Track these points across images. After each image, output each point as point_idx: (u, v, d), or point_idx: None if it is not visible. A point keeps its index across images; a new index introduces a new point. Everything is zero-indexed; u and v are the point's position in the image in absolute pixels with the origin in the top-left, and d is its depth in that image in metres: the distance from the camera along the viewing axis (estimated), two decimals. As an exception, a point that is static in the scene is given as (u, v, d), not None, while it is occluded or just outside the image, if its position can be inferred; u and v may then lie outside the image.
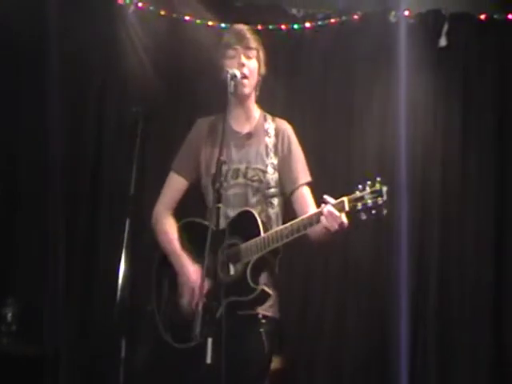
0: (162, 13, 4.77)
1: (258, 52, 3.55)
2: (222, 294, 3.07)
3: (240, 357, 3.20)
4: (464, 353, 4.63)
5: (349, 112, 4.82)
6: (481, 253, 4.69)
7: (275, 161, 3.53)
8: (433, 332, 4.64)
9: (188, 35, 4.67)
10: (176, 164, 3.63)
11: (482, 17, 4.75)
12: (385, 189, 3.12)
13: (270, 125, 3.59)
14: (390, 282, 4.60)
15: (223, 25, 4.70)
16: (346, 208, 3.15)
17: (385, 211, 3.12)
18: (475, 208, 4.73)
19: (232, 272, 3.32)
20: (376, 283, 4.68)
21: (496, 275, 4.66)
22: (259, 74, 3.57)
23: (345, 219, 3.19)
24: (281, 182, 3.53)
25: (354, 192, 3.16)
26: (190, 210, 3.60)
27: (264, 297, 3.34)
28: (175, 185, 3.62)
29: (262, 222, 3.37)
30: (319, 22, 4.82)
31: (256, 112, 3.62)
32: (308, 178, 3.56)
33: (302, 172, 3.55)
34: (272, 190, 3.51)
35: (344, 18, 4.81)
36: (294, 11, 4.88)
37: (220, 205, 3.16)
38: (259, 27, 4.56)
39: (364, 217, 3.13)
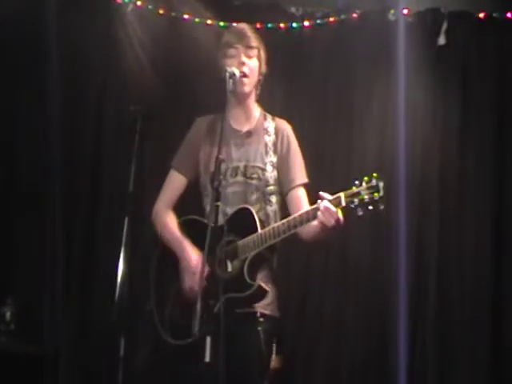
0: (161, 11, 4.77)
1: (258, 51, 3.55)
2: (220, 291, 3.07)
3: (238, 355, 3.19)
4: (463, 352, 4.63)
5: (348, 110, 4.82)
6: (480, 252, 4.68)
7: (274, 159, 3.53)
8: (432, 331, 4.63)
9: (187, 34, 4.68)
10: (176, 162, 3.64)
11: (481, 15, 4.75)
12: (381, 184, 3.12)
13: (270, 124, 3.60)
14: (389, 281, 4.59)
15: (222, 23, 4.71)
16: (343, 203, 3.16)
17: (382, 206, 3.12)
18: (474, 207, 4.72)
19: (230, 269, 3.32)
20: (375, 282, 4.68)
21: (495, 275, 4.65)
22: (260, 73, 3.57)
23: (341, 215, 3.19)
24: (279, 181, 3.53)
25: (350, 188, 3.16)
26: (188, 208, 3.60)
27: (261, 293, 3.34)
28: (175, 182, 3.63)
29: (260, 218, 3.37)
30: (318, 21, 4.83)
31: (256, 111, 3.63)
32: (304, 179, 3.56)
33: (299, 173, 3.56)
34: (271, 188, 3.52)
35: (343, 16, 4.81)
36: (292, 10, 4.89)
37: (219, 203, 3.16)
38: (258, 26, 4.55)
39: (361, 212, 3.13)
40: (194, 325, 2.96)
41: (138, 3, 4.76)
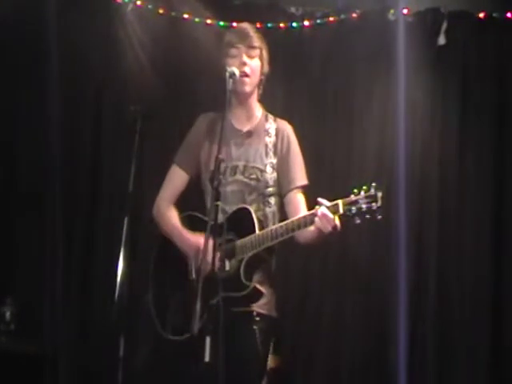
0: (161, 11, 4.77)
1: (261, 51, 3.56)
2: (220, 289, 3.07)
3: (234, 354, 3.20)
4: (463, 352, 4.63)
5: (347, 110, 4.82)
6: (480, 252, 4.69)
7: (274, 160, 3.54)
8: (432, 331, 4.64)
9: (186, 33, 4.68)
10: (178, 157, 3.65)
11: (481, 15, 4.75)
12: (379, 194, 3.14)
13: (271, 125, 3.60)
14: (389, 282, 4.59)
15: (222, 23, 4.71)
16: (340, 211, 3.17)
17: (379, 216, 3.13)
18: (474, 207, 4.72)
19: (227, 267, 3.33)
20: (375, 282, 4.68)
21: (495, 275, 4.65)
22: (262, 73, 3.57)
23: (338, 222, 3.20)
24: (278, 182, 3.54)
25: (348, 196, 3.17)
26: (190, 204, 3.61)
27: (256, 295, 3.35)
28: (176, 178, 3.64)
29: (258, 219, 3.38)
30: (318, 21, 4.82)
31: (258, 111, 3.63)
32: (304, 182, 3.57)
33: (299, 174, 3.56)
34: (270, 190, 3.52)
35: (343, 16, 4.81)
36: (292, 10, 4.88)
37: (219, 202, 3.16)
38: (258, 26, 4.54)
39: (358, 221, 3.15)
40: (194, 324, 2.97)
41: (138, 3, 4.75)
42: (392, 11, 4.74)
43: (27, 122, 4.77)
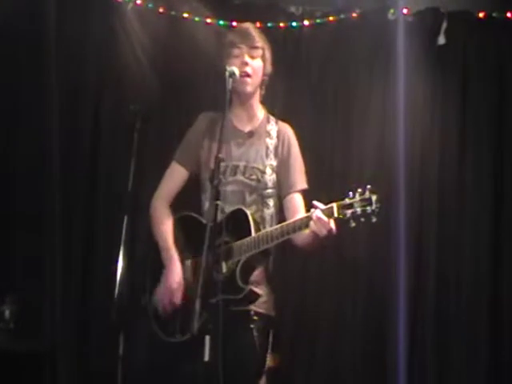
0: (161, 10, 4.76)
1: (263, 51, 3.58)
2: (218, 291, 3.08)
3: (232, 353, 3.21)
4: (462, 352, 4.62)
5: (347, 110, 4.82)
6: (480, 252, 4.68)
7: (274, 162, 3.55)
8: (432, 331, 4.63)
9: (186, 33, 4.67)
10: (177, 154, 3.67)
11: (481, 15, 4.74)
12: (374, 197, 3.14)
13: (273, 127, 3.62)
14: (389, 281, 4.59)
15: (222, 22, 4.71)
16: (335, 214, 3.18)
17: (374, 219, 3.14)
18: (474, 207, 4.72)
19: (224, 269, 3.33)
20: (374, 282, 4.67)
21: (495, 275, 4.65)
22: (264, 73, 3.59)
23: (333, 225, 3.20)
24: (278, 184, 3.54)
25: (343, 199, 3.17)
26: (186, 201, 3.61)
27: (253, 297, 3.37)
28: (176, 175, 3.66)
29: (255, 221, 3.39)
30: (318, 20, 4.81)
31: (260, 112, 3.64)
32: (304, 185, 3.58)
33: (299, 178, 3.58)
34: (269, 191, 3.54)
35: (342, 15, 4.79)
36: (292, 9, 4.87)
37: (219, 202, 3.16)
38: (257, 25, 4.53)
39: (353, 224, 3.16)
40: (194, 323, 2.97)
41: (138, 2, 4.74)
42: (392, 11, 4.74)
43: (26, 122, 4.75)
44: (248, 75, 3.50)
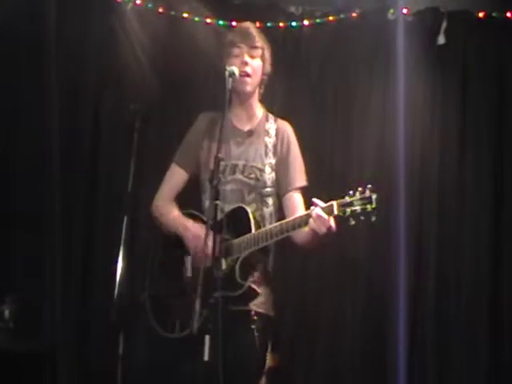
0: (160, 10, 4.77)
1: (263, 51, 3.58)
2: (218, 287, 3.07)
3: (232, 353, 3.21)
4: (462, 352, 4.62)
5: (347, 110, 4.82)
6: (480, 252, 4.68)
7: (273, 161, 3.56)
8: (432, 331, 4.63)
9: (186, 32, 4.67)
10: (177, 156, 3.67)
11: (481, 15, 4.74)
12: (374, 196, 3.14)
13: (272, 125, 3.62)
14: (389, 281, 4.59)
15: (221, 22, 4.71)
16: (335, 212, 3.18)
17: (373, 218, 3.14)
18: (474, 207, 4.72)
19: (223, 266, 3.33)
20: (374, 282, 4.68)
21: (495, 275, 4.65)
22: (264, 72, 3.59)
23: (333, 223, 3.20)
24: (277, 182, 3.55)
25: (344, 197, 3.17)
26: (187, 202, 3.61)
27: (252, 294, 3.37)
28: (176, 177, 3.66)
29: (255, 219, 3.40)
30: (317, 20, 4.82)
31: (259, 111, 3.65)
32: (303, 183, 3.58)
33: (298, 175, 3.58)
34: (268, 190, 3.54)
35: (342, 15, 4.80)
36: (292, 9, 4.88)
37: (218, 202, 3.17)
38: (257, 25, 4.53)
39: (353, 222, 3.16)
40: (194, 322, 2.97)
41: (138, 2, 4.74)
42: (392, 11, 4.74)
43: (26, 122, 4.76)
44: (248, 75, 3.50)
